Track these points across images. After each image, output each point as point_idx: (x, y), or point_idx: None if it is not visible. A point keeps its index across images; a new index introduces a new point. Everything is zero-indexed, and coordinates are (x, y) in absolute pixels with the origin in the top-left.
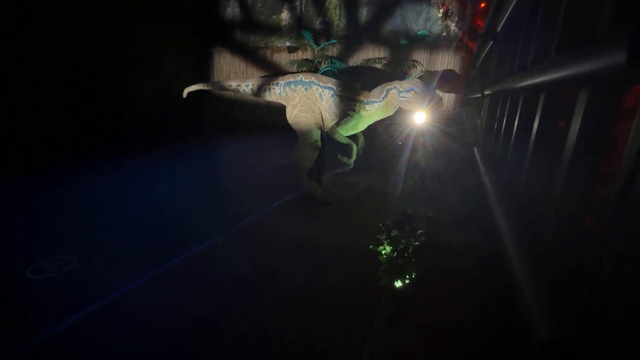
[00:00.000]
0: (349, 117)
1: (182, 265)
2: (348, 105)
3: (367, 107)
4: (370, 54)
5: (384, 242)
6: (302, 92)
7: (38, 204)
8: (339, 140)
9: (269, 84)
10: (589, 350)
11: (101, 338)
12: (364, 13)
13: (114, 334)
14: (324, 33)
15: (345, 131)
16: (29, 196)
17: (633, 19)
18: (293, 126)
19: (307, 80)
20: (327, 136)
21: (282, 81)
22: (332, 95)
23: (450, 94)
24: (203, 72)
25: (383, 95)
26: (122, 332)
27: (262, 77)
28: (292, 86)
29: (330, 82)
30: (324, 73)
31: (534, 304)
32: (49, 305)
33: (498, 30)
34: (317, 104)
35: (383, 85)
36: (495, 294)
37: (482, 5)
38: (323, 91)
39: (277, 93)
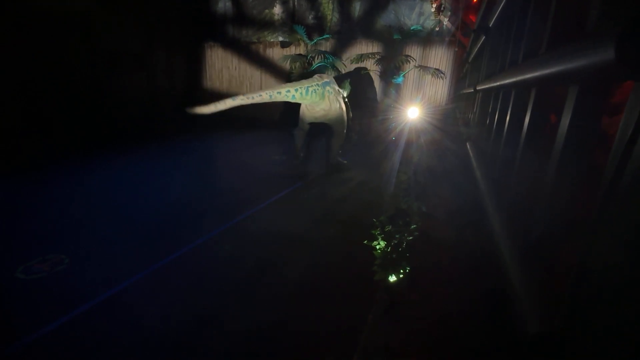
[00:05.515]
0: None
1: (174, 263)
2: (345, 102)
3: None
4: (363, 49)
5: (378, 237)
6: (337, 93)
7: (28, 202)
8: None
9: (312, 86)
10: (577, 342)
11: (92, 339)
12: (357, 8)
13: (106, 335)
14: (317, 28)
15: None
16: (19, 194)
17: (622, 16)
18: (337, 120)
19: (333, 84)
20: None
21: (318, 82)
22: (343, 97)
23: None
24: (194, 68)
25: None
26: (113, 332)
27: (290, 83)
28: (331, 86)
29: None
30: (318, 68)
31: (524, 297)
32: (39, 306)
33: (490, 25)
34: (341, 103)
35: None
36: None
37: (474, 0)
38: (340, 93)
39: (320, 93)
